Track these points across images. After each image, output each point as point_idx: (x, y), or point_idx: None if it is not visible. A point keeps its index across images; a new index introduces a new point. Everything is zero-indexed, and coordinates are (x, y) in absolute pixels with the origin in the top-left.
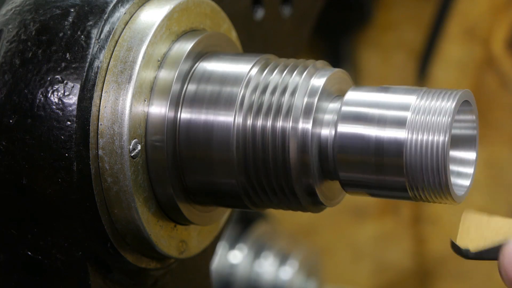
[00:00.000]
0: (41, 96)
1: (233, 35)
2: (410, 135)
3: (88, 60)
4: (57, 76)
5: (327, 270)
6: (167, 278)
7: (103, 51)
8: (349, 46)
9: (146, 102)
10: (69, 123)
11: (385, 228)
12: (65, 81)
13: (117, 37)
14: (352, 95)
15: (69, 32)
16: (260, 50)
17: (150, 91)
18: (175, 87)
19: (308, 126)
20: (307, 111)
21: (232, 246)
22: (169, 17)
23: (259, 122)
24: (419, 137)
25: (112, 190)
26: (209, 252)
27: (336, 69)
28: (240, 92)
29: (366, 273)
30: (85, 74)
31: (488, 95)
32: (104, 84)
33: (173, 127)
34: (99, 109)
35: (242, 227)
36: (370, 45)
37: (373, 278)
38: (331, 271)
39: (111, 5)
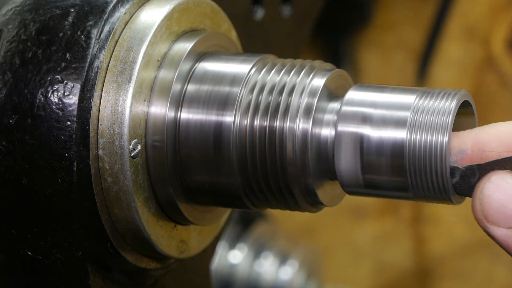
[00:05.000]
0: (41, 96)
1: (233, 35)
2: (410, 135)
3: (88, 60)
4: (57, 76)
5: (327, 270)
6: (167, 278)
7: (103, 51)
8: (349, 46)
9: (146, 102)
10: (69, 123)
11: (385, 228)
12: (65, 81)
13: (117, 37)
14: (352, 95)
15: (69, 32)
16: (260, 50)
17: (150, 91)
18: (175, 87)
19: (308, 126)
20: (307, 111)
21: (232, 246)
22: (169, 17)
23: (259, 122)
24: (419, 137)
25: (112, 190)
26: (209, 252)
27: (336, 69)
28: (240, 92)
29: (366, 273)
30: (85, 74)
31: (488, 95)
32: (104, 84)
33: (173, 127)
34: (99, 109)
35: (242, 227)
36: (370, 45)
37: (373, 278)
38: (331, 271)
39: (111, 5)
